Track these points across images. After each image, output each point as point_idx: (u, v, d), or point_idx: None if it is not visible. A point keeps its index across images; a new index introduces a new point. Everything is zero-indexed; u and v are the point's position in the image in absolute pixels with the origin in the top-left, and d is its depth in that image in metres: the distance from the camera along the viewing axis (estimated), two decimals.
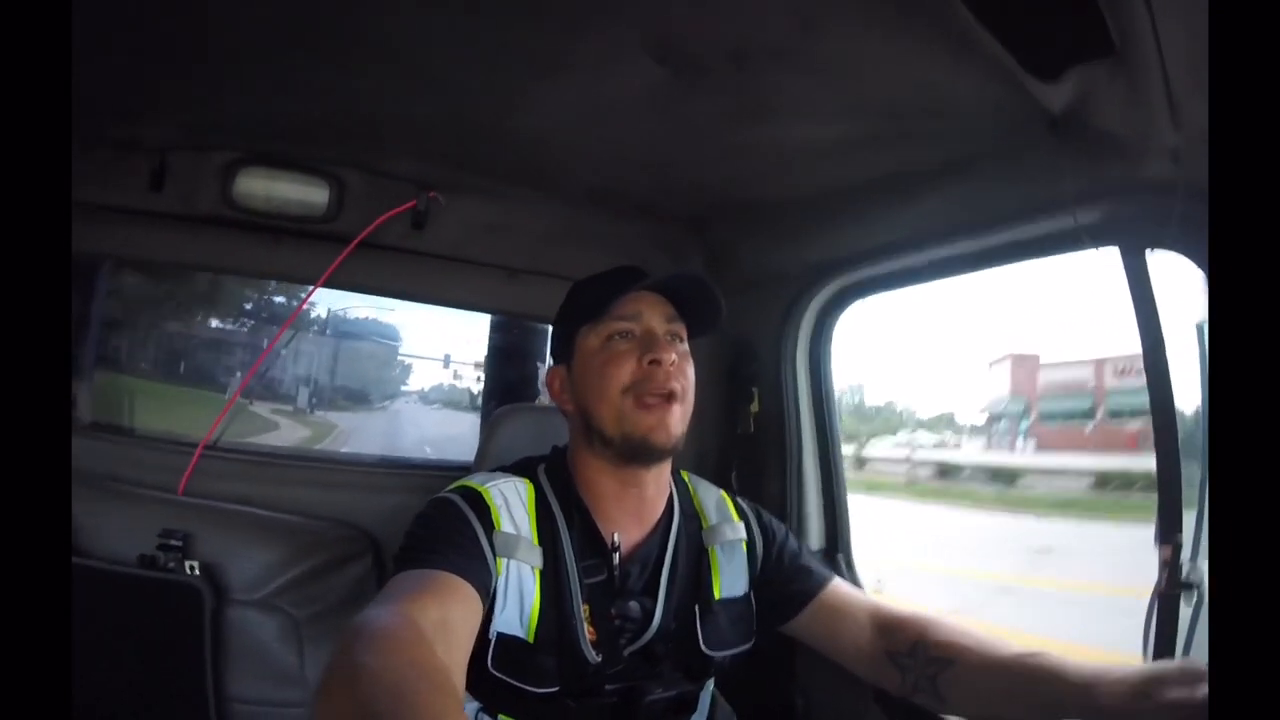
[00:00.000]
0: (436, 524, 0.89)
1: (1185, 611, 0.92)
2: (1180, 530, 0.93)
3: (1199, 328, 1.01)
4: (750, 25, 0.87)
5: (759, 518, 1.11)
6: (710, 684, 1.05)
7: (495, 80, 1.04)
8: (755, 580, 1.06)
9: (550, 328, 1.85)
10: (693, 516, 1.06)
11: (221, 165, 1.37)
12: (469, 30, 0.93)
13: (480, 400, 1.92)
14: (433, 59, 1.00)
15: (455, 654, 0.72)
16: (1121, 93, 0.83)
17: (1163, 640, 0.91)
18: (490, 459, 1.23)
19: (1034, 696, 0.81)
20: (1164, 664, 0.76)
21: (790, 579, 1.06)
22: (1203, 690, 0.69)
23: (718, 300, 1.00)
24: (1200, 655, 0.89)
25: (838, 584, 1.06)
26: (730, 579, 1.03)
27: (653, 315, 0.98)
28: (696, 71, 0.97)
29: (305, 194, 1.38)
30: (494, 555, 0.87)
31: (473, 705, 0.92)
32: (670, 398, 0.94)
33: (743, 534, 1.07)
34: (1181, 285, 0.98)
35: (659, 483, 1.01)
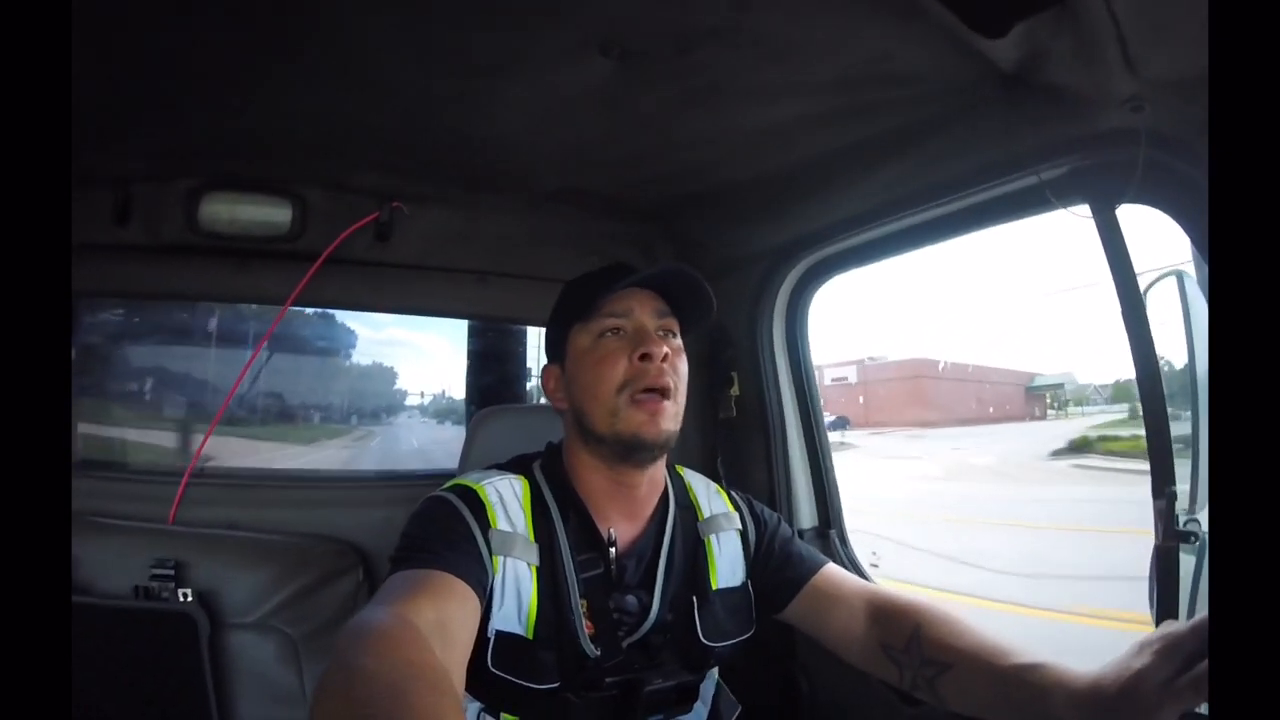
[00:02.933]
0: (432, 523, 0.88)
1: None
2: (1173, 483, 0.92)
3: (1179, 276, 0.99)
4: (686, 8, 0.85)
5: (751, 507, 1.11)
6: (714, 674, 1.05)
7: (449, 87, 1.04)
8: (751, 569, 1.05)
9: (528, 329, 1.88)
10: (687, 508, 1.06)
11: (184, 192, 1.36)
12: (419, 39, 0.92)
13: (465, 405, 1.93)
14: (386, 69, 0.99)
15: (453, 654, 0.72)
16: (1071, 44, 0.81)
17: (1166, 591, 0.90)
18: (474, 462, 1.23)
19: (1037, 710, 0.78)
20: (1169, 631, 0.71)
21: (782, 566, 1.05)
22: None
23: (706, 291, 0.99)
24: (1204, 607, 0.88)
25: (831, 570, 1.05)
26: (727, 569, 1.03)
27: (643, 311, 0.97)
28: (642, 61, 0.95)
29: (268, 214, 1.38)
30: (490, 553, 0.87)
31: (474, 705, 0.92)
32: (663, 393, 0.93)
33: (737, 524, 1.07)
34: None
35: (654, 478, 1.01)
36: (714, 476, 1.23)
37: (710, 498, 1.09)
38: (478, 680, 0.88)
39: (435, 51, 0.95)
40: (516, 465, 1.02)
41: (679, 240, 1.56)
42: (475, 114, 1.11)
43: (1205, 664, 0.66)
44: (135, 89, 1.05)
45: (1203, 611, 0.87)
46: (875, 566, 1.42)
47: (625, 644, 0.93)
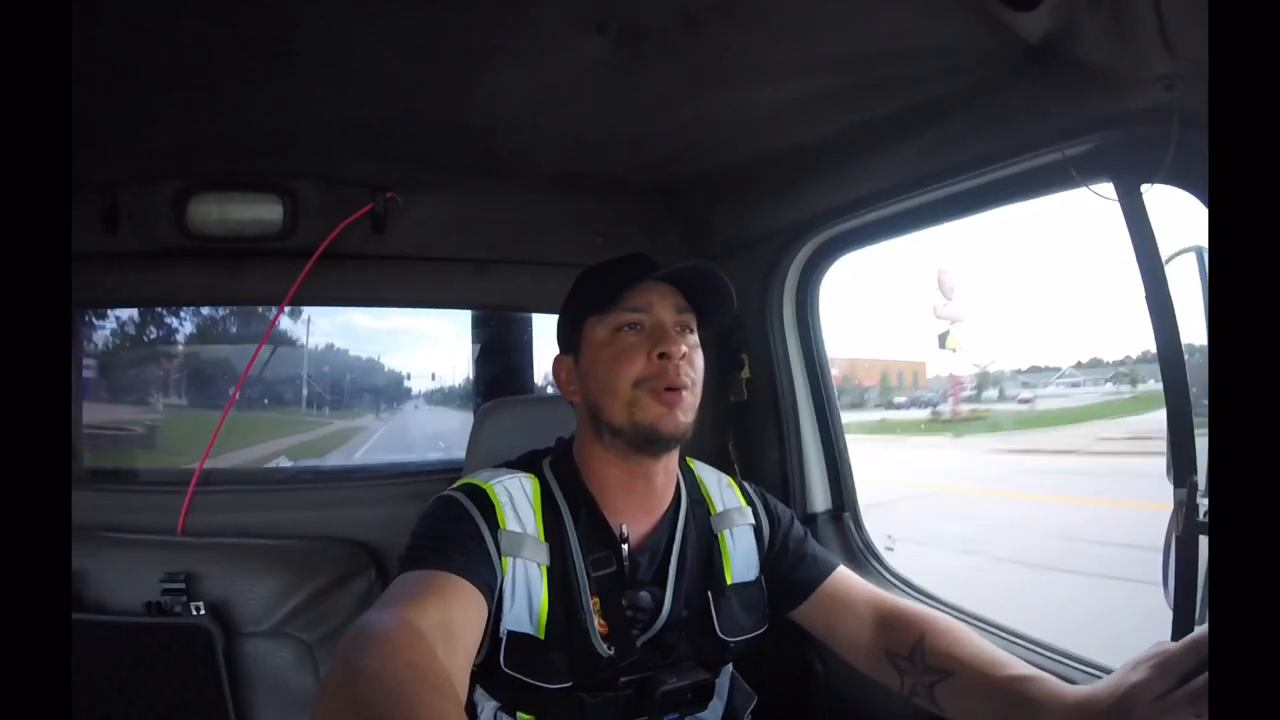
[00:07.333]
0: (440, 524, 0.88)
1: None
2: (1195, 471, 0.89)
3: (1199, 253, 0.96)
4: None
5: (765, 502, 1.10)
6: (728, 667, 1.05)
7: (438, 72, 1.00)
8: (764, 564, 1.05)
9: (533, 317, 1.84)
10: (700, 503, 1.05)
11: (172, 194, 1.33)
12: (405, 24, 0.88)
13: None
14: (371, 58, 0.96)
15: (457, 656, 0.71)
16: (1107, 17, 0.76)
17: (1185, 582, 0.88)
18: (480, 454, 1.22)
19: None
20: (1164, 649, 0.72)
21: (794, 567, 1.05)
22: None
23: (729, 290, 0.97)
24: None
25: (842, 573, 1.05)
26: (741, 564, 1.03)
27: (663, 306, 0.95)
28: (642, 38, 0.91)
29: (259, 212, 1.35)
30: (499, 554, 0.87)
31: (491, 704, 0.93)
32: (681, 389, 0.92)
33: (750, 519, 1.06)
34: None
35: (667, 472, 1.00)
36: (726, 460, 1.21)
37: (722, 491, 1.08)
38: (492, 680, 0.89)
39: (420, 37, 0.91)
40: (526, 463, 1.01)
41: (686, 219, 1.52)
42: (467, 99, 1.07)
43: (1199, 680, 0.66)
44: (113, 91, 1.01)
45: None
46: (890, 550, 1.42)
47: (639, 642, 0.93)
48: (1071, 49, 0.84)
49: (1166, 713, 0.68)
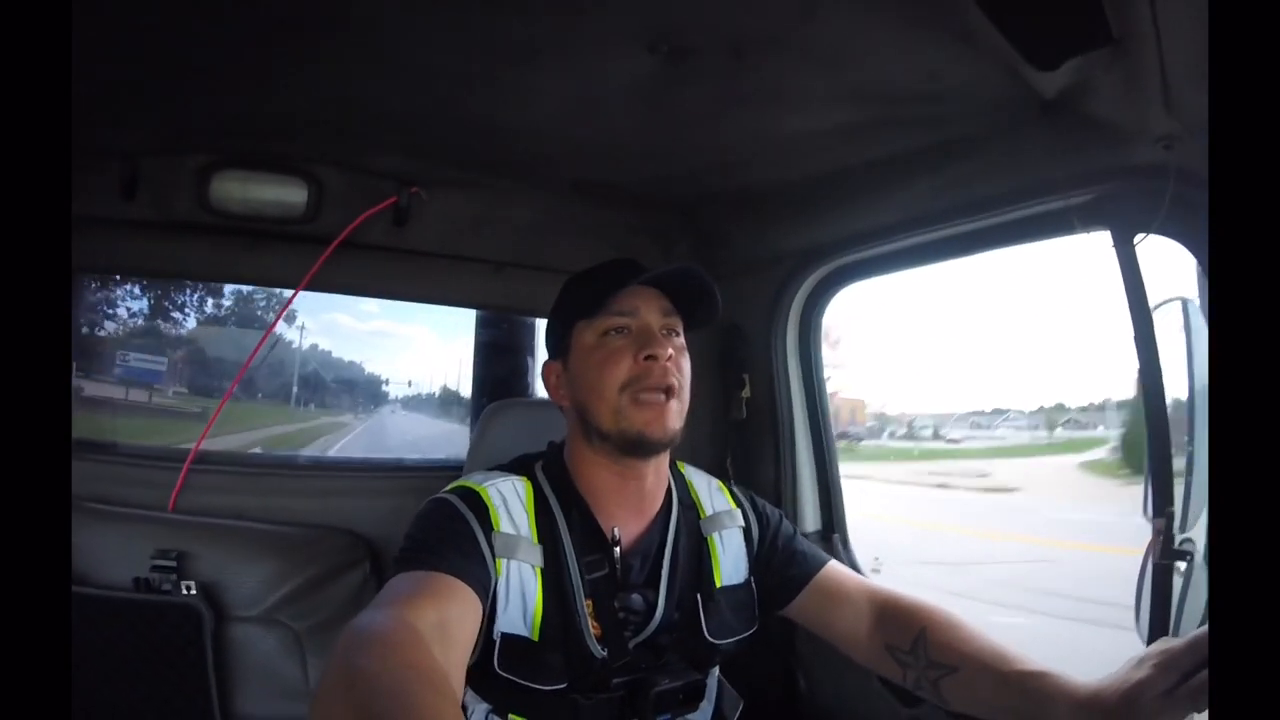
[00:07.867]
0: (434, 525, 0.88)
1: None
2: (1172, 503, 0.96)
3: (1184, 303, 1.03)
4: (751, 14, 0.85)
5: (754, 504, 1.11)
6: (715, 670, 1.05)
7: (478, 70, 1.01)
8: (754, 566, 1.06)
9: (538, 321, 1.85)
10: (690, 506, 1.06)
11: (196, 169, 1.31)
12: (449, 19, 0.89)
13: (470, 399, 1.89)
14: (412, 50, 0.96)
15: (453, 656, 0.71)
16: (1118, 81, 0.84)
17: (1159, 608, 0.94)
18: (483, 454, 1.22)
19: (1039, 716, 0.80)
20: (1167, 647, 0.75)
21: (785, 563, 1.06)
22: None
23: (714, 293, 0.99)
24: (1192, 622, 0.93)
25: (834, 567, 1.06)
26: (730, 566, 1.04)
27: (649, 310, 0.96)
28: (692, 60, 0.94)
29: (283, 194, 1.33)
30: (493, 556, 0.87)
31: (483, 706, 0.92)
32: (668, 393, 0.94)
33: (740, 521, 1.08)
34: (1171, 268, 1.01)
35: (658, 475, 1.01)
36: (724, 475, 1.23)
37: (712, 495, 1.09)
38: (485, 681, 0.88)
39: (467, 34, 0.92)
40: (518, 466, 1.02)
41: (699, 236, 1.55)
42: (504, 100, 1.09)
43: (1202, 675, 0.70)
44: (146, 62, 1.01)
45: (1190, 627, 0.92)
46: (877, 572, 1.45)
47: (632, 644, 0.93)
48: (1082, 105, 0.91)
49: (1170, 709, 0.71)
